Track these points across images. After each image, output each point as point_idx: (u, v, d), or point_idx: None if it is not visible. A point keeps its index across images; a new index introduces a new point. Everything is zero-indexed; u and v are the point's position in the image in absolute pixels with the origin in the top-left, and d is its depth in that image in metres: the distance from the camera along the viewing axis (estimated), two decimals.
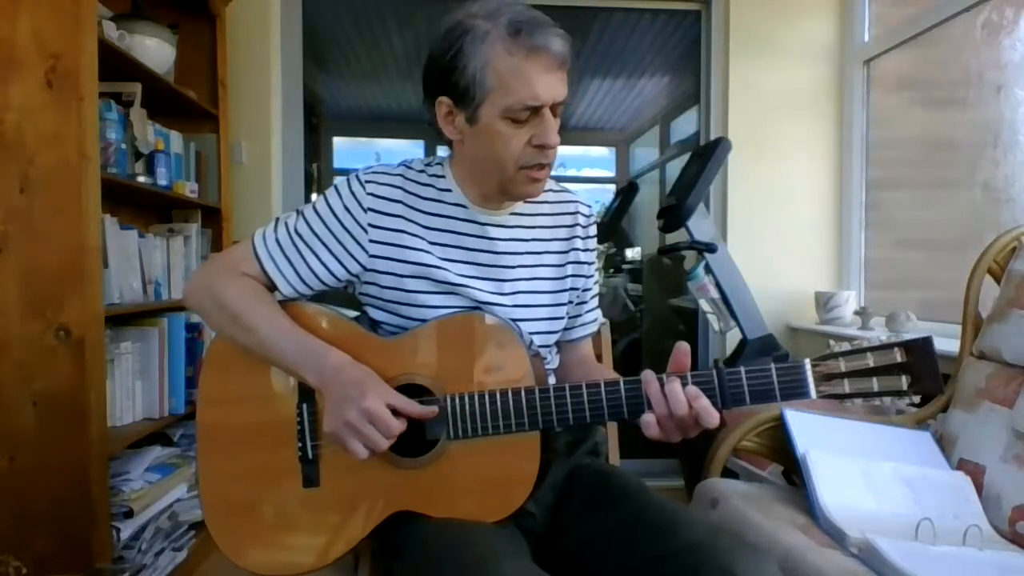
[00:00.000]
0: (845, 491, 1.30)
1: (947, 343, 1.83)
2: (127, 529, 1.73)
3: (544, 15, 0.95)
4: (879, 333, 2.26)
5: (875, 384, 0.88)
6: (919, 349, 0.87)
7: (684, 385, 0.86)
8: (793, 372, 0.87)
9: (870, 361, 0.88)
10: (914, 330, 2.21)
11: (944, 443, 1.46)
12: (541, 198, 1.10)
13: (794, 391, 0.87)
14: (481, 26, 0.92)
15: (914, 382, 0.87)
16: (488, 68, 0.92)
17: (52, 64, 1.55)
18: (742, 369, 0.88)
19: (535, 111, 0.94)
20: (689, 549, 0.85)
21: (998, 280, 1.54)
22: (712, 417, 0.85)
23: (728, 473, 1.58)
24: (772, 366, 0.88)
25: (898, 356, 0.87)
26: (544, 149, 0.96)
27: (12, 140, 1.55)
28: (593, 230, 1.15)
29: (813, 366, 0.87)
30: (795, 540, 1.17)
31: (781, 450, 1.46)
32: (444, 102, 0.98)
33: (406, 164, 1.06)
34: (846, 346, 0.90)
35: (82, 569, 1.57)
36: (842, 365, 0.88)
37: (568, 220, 1.12)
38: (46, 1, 1.55)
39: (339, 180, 1.03)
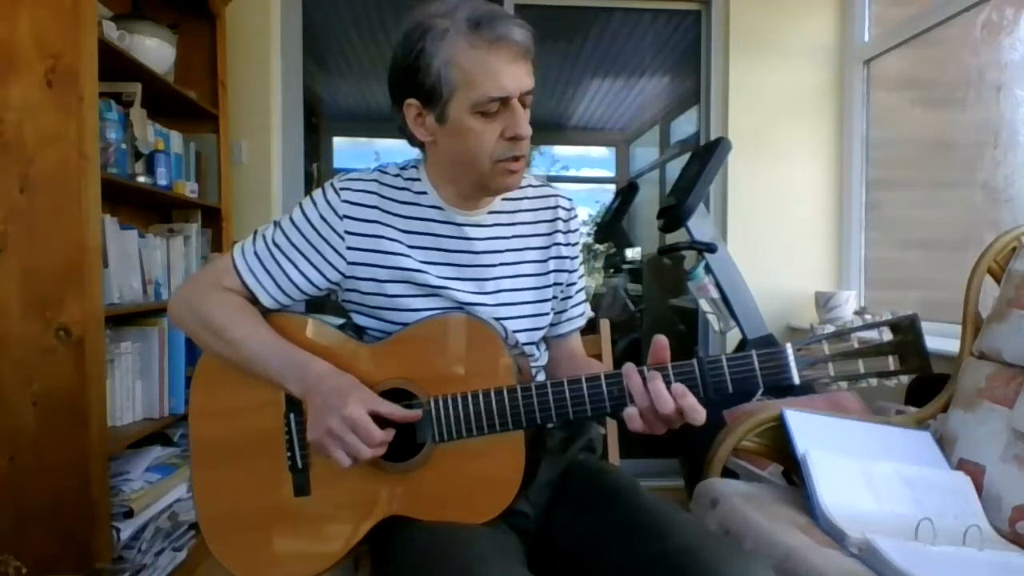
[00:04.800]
0: (845, 491, 1.30)
1: (947, 343, 1.84)
2: (127, 529, 1.73)
3: (501, 7, 0.95)
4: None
5: (861, 366, 0.84)
6: (905, 327, 0.84)
7: (667, 380, 0.85)
8: (775, 357, 0.85)
9: (855, 343, 0.85)
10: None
11: (944, 443, 1.46)
12: (520, 194, 1.10)
13: (777, 377, 0.85)
14: (440, 24, 0.93)
15: (902, 362, 0.84)
16: (452, 64, 0.92)
17: (52, 64, 1.55)
18: (723, 357, 0.86)
19: (504, 103, 0.93)
20: (679, 553, 0.85)
21: (998, 280, 1.54)
22: (699, 414, 0.84)
23: (728, 473, 1.58)
24: (753, 352, 0.85)
25: (884, 336, 0.84)
26: (517, 141, 0.95)
27: (12, 140, 1.55)
28: (575, 223, 1.14)
29: (796, 350, 0.85)
30: (795, 540, 1.17)
31: (781, 450, 1.46)
32: (412, 104, 0.98)
33: (381, 169, 1.06)
34: (830, 328, 0.86)
35: (82, 569, 1.57)
36: (826, 348, 0.85)
37: (548, 215, 1.11)
38: (46, 1, 1.55)
39: (314, 190, 1.03)
